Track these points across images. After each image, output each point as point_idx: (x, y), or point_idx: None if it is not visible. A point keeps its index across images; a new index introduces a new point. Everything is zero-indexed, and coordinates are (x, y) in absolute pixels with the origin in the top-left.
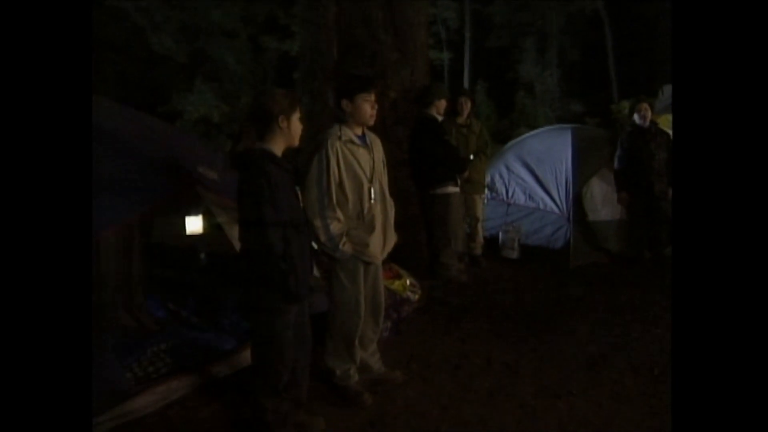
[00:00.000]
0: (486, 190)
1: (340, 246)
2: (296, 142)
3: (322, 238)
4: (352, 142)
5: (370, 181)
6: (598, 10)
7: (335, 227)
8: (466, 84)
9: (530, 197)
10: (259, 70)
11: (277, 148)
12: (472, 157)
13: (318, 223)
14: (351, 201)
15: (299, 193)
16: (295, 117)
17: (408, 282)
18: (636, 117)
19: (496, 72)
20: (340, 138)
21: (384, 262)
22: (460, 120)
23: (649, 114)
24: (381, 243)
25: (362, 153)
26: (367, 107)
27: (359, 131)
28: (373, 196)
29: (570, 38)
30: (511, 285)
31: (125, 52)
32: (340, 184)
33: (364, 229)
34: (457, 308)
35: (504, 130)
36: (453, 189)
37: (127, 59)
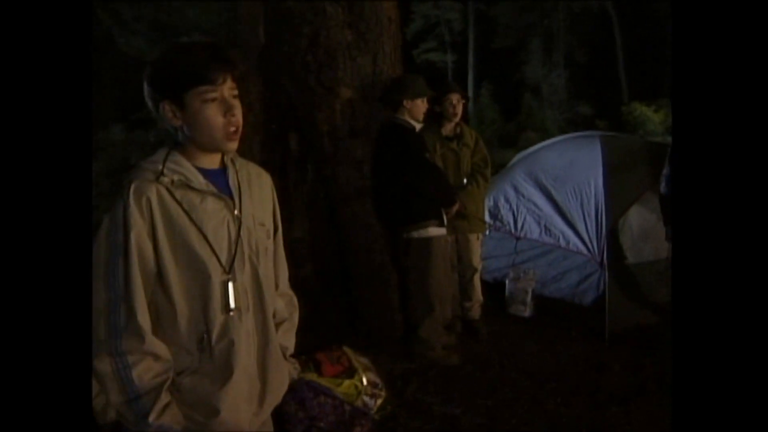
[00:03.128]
0: (486, 227)
1: (152, 418)
2: None
3: (116, 397)
4: (188, 185)
5: (229, 269)
6: (606, 9)
7: (143, 372)
8: (470, 87)
9: (547, 230)
10: None
11: None
12: (465, 181)
13: (106, 365)
14: (183, 315)
15: None
16: None
17: (365, 380)
18: None
19: (501, 74)
20: (159, 178)
21: (329, 347)
22: (448, 129)
23: None
24: (252, 400)
25: (212, 208)
26: (213, 114)
27: (210, 161)
28: (233, 300)
29: (577, 38)
30: (524, 365)
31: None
32: (160, 279)
33: (211, 373)
34: (441, 419)
35: (510, 134)
36: (437, 230)
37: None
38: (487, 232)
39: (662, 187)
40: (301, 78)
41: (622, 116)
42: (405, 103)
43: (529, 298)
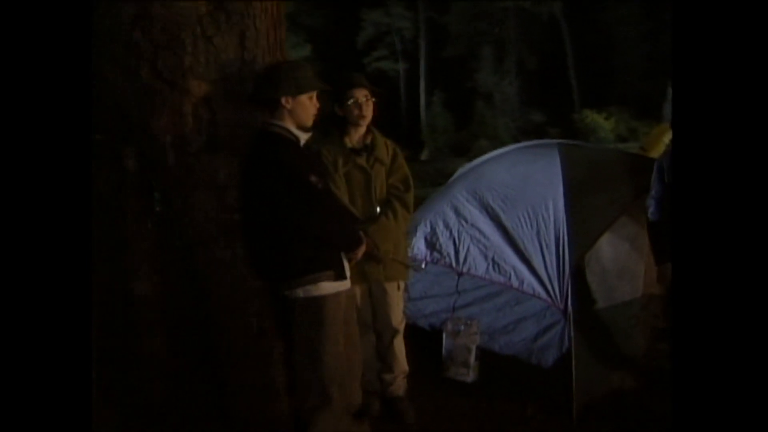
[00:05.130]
0: (410, 272)
1: None
2: None
3: None
4: None
5: None
6: (556, 16)
7: None
8: (422, 95)
9: (495, 265)
10: None
11: None
12: (378, 210)
13: None
14: None
15: None
16: None
17: None
18: None
19: (453, 82)
20: None
21: None
22: (355, 138)
23: None
24: None
25: None
26: None
27: None
28: None
29: (528, 46)
30: None
31: None
32: None
33: None
34: None
35: (462, 143)
36: (333, 285)
37: None
38: (423, 266)
39: (650, 213)
40: (130, 67)
41: (574, 124)
42: (284, 102)
43: (472, 358)
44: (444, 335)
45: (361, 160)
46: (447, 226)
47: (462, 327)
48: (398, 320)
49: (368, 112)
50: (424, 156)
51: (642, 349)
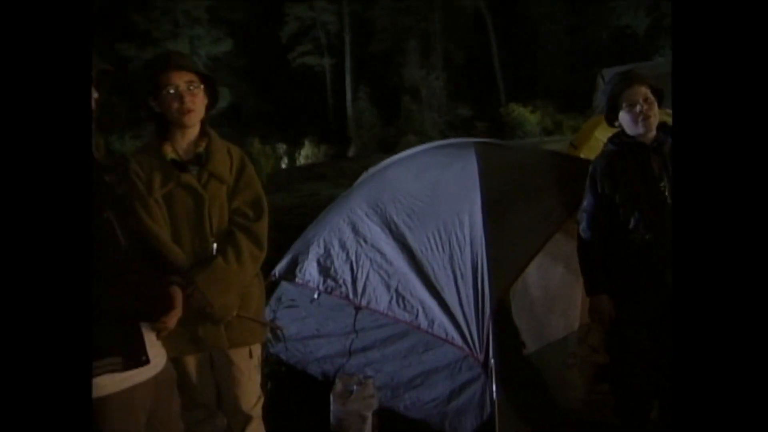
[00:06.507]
0: (266, 332)
1: None
2: None
3: None
4: None
5: None
6: (480, 10)
7: None
8: (348, 91)
9: (400, 298)
10: None
11: None
12: (214, 248)
13: None
14: None
15: None
16: None
17: None
18: (625, 120)
19: (379, 77)
20: None
21: None
22: (182, 145)
23: (653, 114)
24: None
25: None
26: None
27: None
28: None
29: (454, 40)
30: None
31: None
32: None
33: None
34: None
35: (390, 138)
36: (122, 377)
37: None
38: (316, 296)
39: (581, 229)
40: None
41: (501, 117)
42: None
43: (367, 428)
44: (332, 398)
45: (189, 177)
46: (343, 246)
47: (354, 387)
48: (251, 402)
49: (195, 104)
50: (350, 152)
51: (581, 396)
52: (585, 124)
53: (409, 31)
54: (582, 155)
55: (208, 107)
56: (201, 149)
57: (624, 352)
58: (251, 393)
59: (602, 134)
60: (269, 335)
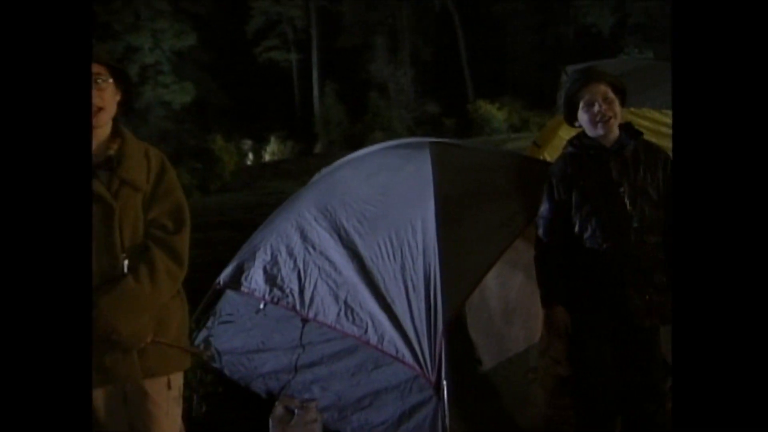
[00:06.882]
0: (189, 360)
1: None
2: None
3: None
4: None
5: None
6: (447, 7)
7: None
8: (315, 87)
9: (348, 310)
10: None
11: None
12: (125, 266)
13: None
14: None
15: None
16: None
17: None
18: (584, 120)
19: (346, 73)
20: None
21: None
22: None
23: (613, 114)
24: None
25: None
26: None
27: None
28: None
29: (422, 36)
30: None
31: None
32: None
33: None
34: None
35: (357, 135)
36: None
37: None
38: (262, 306)
39: (540, 232)
40: None
41: (469, 114)
42: None
43: None
44: (271, 424)
45: (97, 184)
46: (291, 253)
47: (296, 410)
48: None
49: (104, 101)
50: (317, 149)
51: (542, 412)
52: (549, 122)
53: (377, 27)
54: (546, 154)
55: (121, 103)
56: (112, 152)
57: (585, 364)
58: (169, 430)
59: (566, 133)
60: (208, 356)
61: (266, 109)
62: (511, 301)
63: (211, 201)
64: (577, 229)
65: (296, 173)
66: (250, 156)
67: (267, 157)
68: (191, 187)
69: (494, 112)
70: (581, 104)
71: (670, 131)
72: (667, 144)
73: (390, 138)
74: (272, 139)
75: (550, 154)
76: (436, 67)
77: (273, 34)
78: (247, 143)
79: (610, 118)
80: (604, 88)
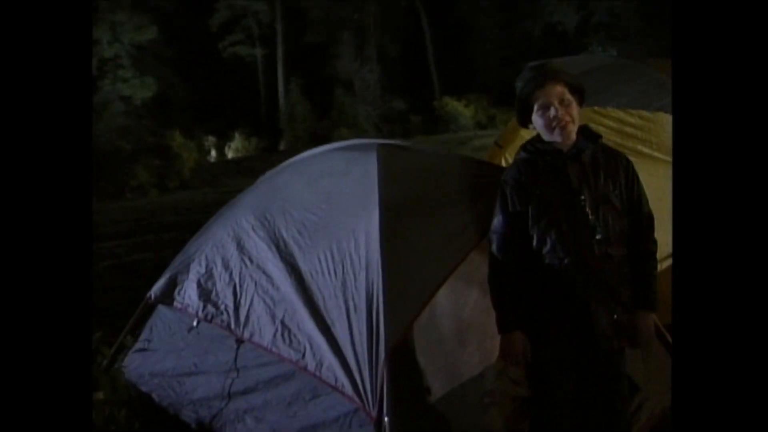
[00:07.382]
0: None
1: None
2: None
3: None
4: None
5: None
6: (414, 3)
7: None
8: (280, 82)
9: (286, 331)
10: None
11: None
12: None
13: None
14: None
15: None
16: None
17: None
18: (538, 124)
19: (312, 69)
20: None
21: None
22: None
23: (571, 118)
24: None
25: None
26: None
27: None
28: None
29: (389, 33)
30: None
31: None
32: None
33: None
34: None
35: (322, 131)
36: None
37: None
38: (195, 323)
39: (493, 248)
40: None
41: (435, 111)
42: None
43: None
44: None
45: None
46: (227, 266)
47: None
48: None
49: None
50: (282, 146)
51: None
52: (510, 122)
53: (343, 23)
54: (508, 156)
55: None
56: None
57: (546, 390)
58: None
59: (529, 134)
60: None
61: (230, 105)
62: (465, 319)
63: (169, 199)
64: (535, 243)
65: (260, 170)
66: (213, 153)
67: (231, 154)
68: (148, 185)
69: (461, 109)
70: (536, 107)
71: (635, 131)
72: (632, 145)
73: (355, 135)
74: (236, 135)
75: (512, 155)
76: (403, 64)
77: (238, 28)
78: (211, 140)
79: (568, 123)
80: (560, 89)
